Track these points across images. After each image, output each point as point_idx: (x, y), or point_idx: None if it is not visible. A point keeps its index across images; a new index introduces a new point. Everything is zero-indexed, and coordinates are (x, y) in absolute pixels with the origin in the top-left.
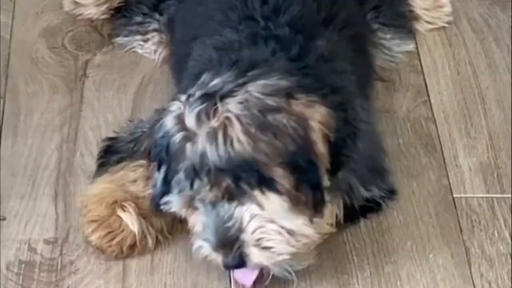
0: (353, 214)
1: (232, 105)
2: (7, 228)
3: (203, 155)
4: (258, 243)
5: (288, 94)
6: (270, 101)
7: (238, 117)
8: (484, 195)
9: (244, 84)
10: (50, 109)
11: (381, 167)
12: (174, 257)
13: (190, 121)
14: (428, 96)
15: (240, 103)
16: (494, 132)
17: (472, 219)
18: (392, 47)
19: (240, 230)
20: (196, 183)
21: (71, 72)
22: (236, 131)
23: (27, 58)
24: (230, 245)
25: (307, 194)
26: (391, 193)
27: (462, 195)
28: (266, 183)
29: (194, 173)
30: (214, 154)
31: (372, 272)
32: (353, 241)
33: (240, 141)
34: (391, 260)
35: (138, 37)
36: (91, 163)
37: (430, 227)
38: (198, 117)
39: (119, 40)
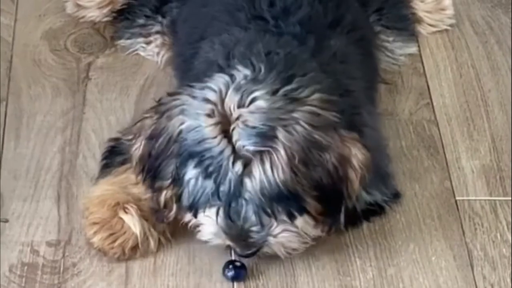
0: (355, 217)
1: (281, 135)
2: (9, 230)
3: (243, 177)
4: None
5: (334, 129)
6: (318, 137)
7: (285, 149)
8: (487, 198)
9: (292, 111)
10: (53, 111)
11: (384, 172)
12: (177, 259)
13: (239, 140)
14: (431, 98)
15: (289, 133)
16: (497, 135)
17: (474, 222)
18: (394, 50)
19: (267, 234)
20: (234, 203)
21: (74, 75)
22: (282, 161)
23: (29, 61)
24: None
25: (329, 218)
26: (395, 196)
27: (465, 198)
28: (297, 210)
29: (233, 193)
30: (256, 179)
31: (374, 275)
32: (356, 243)
33: (284, 172)
34: (393, 263)
35: (141, 39)
36: (94, 166)
37: (433, 230)
38: (248, 138)
39: (122, 42)
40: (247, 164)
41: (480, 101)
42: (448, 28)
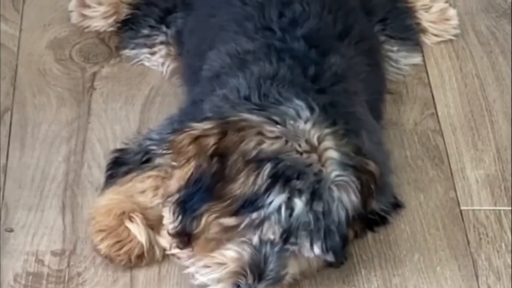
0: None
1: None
2: (14, 240)
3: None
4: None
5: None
6: (362, 164)
7: (362, 180)
8: (492, 208)
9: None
10: (58, 121)
11: (383, 184)
12: (181, 268)
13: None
14: (435, 108)
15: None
16: (501, 145)
17: (479, 232)
18: (399, 60)
19: (279, 277)
20: (265, 227)
21: (79, 84)
22: (362, 191)
23: (34, 70)
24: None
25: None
26: (395, 207)
27: (470, 208)
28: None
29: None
30: (348, 206)
31: (379, 285)
32: (361, 253)
33: (359, 200)
34: (398, 273)
35: (145, 50)
36: (99, 175)
37: (438, 240)
38: (338, 169)
39: (126, 52)
40: (340, 194)
41: (484, 111)
42: (453, 38)
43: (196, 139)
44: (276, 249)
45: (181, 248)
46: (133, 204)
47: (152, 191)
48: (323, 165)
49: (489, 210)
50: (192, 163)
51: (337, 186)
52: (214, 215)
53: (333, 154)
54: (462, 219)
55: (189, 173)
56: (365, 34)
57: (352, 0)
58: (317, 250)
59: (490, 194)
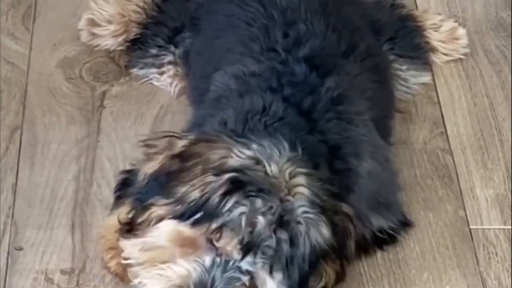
0: (366, 245)
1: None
2: (23, 258)
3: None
4: None
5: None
6: (334, 205)
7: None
8: (501, 227)
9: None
10: (67, 139)
11: (389, 200)
12: None
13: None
14: (445, 127)
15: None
16: (511, 164)
17: (489, 251)
18: (408, 79)
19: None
20: (224, 236)
21: (88, 103)
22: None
23: (44, 89)
24: None
25: None
26: (404, 225)
27: (479, 227)
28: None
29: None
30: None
31: None
32: (370, 272)
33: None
34: None
35: (154, 70)
36: (108, 194)
37: (447, 259)
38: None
39: (136, 71)
40: (308, 230)
41: (494, 130)
42: (462, 57)
43: (169, 136)
44: (227, 274)
45: (122, 235)
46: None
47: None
48: (292, 196)
49: (499, 229)
50: (159, 158)
51: (305, 221)
52: (159, 211)
53: (304, 190)
54: (472, 238)
55: (154, 168)
56: (372, 51)
57: (358, 19)
58: (276, 279)
59: (500, 213)
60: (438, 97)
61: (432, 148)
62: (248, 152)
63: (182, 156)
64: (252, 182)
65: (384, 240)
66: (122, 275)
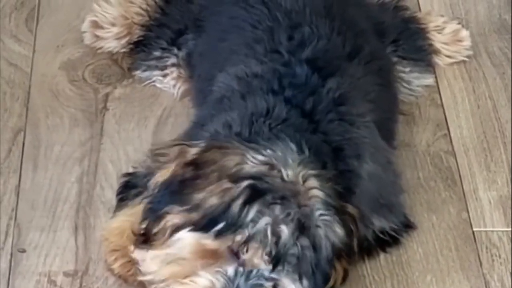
0: (369, 246)
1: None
2: (26, 261)
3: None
4: None
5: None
6: (342, 206)
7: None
8: (504, 229)
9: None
10: (70, 141)
11: (391, 202)
12: None
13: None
14: (448, 129)
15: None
16: None
17: (492, 253)
18: (411, 81)
19: None
20: (251, 248)
21: (92, 105)
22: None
23: (47, 91)
24: None
25: None
26: (406, 227)
27: (482, 229)
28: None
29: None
30: (290, 241)
31: None
32: (373, 274)
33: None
34: None
35: (157, 72)
36: (111, 196)
37: (450, 261)
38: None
39: (139, 74)
40: (326, 233)
41: (497, 132)
42: (466, 59)
43: (179, 144)
44: (250, 282)
45: (137, 246)
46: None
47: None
48: (309, 200)
49: (502, 231)
50: (170, 168)
51: (323, 224)
52: (175, 220)
53: (318, 193)
54: (475, 240)
55: (166, 176)
56: (376, 54)
57: (363, 22)
58: (303, 286)
59: (503, 215)
60: (441, 99)
61: (435, 150)
62: (261, 158)
63: (195, 164)
64: (271, 190)
65: (387, 242)
66: (125, 277)
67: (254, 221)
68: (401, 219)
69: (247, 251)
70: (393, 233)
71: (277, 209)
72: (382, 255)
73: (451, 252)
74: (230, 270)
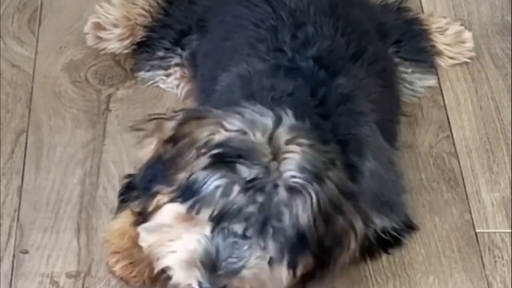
0: (371, 246)
1: (317, 185)
2: (29, 262)
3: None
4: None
5: (352, 198)
6: (339, 200)
7: (318, 199)
8: (507, 230)
9: (328, 169)
10: (73, 143)
11: (393, 200)
12: None
13: (289, 171)
14: (451, 131)
15: (323, 187)
16: None
17: (494, 254)
18: (414, 82)
19: (240, 269)
20: (201, 210)
21: (94, 106)
22: (312, 207)
23: (50, 93)
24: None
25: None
26: (408, 227)
27: (485, 230)
28: (291, 256)
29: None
30: (292, 212)
31: None
32: (375, 275)
33: (309, 218)
34: None
35: (160, 72)
36: (114, 197)
37: (453, 262)
38: (296, 172)
39: (142, 74)
40: (290, 195)
41: (500, 133)
42: (468, 60)
43: (156, 119)
44: (229, 240)
45: (138, 226)
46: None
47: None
48: (278, 162)
49: (504, 232)
50: (151, 144)
51: (286, 185)
52: (164, 199)
53: (295, 156)
54: (477, 242)
55: (148, 154)
56: (379, 56)
57: (367, 23)
58: (252, 249)
59: (506, 216)
60: (444, 100)
61: (438, 152)
62: (239, 123)
63: (173, 140)
64: (231, 152)
65: (389, 242)
66: (127, 279)
67: (208, 185)
68: (403, 219)
69: (198, 214)
70: (395, 233)
71: (236, 170)
72: (384, 256)
73: (454, 254)
74: (207, 230)
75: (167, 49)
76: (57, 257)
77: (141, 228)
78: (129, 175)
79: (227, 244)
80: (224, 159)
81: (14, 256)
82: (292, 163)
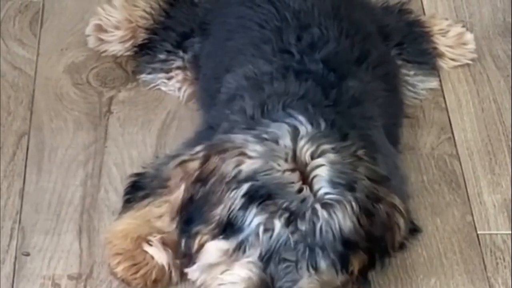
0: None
1: (354, 187)
2: (31, 264)
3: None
4: None
5: (383, 181)
6: (375, 190)
7: (358, 201)
8: (509, 232)
9: (357, 166)
10: (75, 145)
11: None
12: None
13: (321, 189)
14: (452, 133)
15: (359, 186)
16: None
17: (496, 256)
18: (416, 84)
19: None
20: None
21: (96, 108)
22: (354, 213)
23: (51, 94)
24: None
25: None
26: (413, 231)
27: (486, 232)
28: (342, 262)
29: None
30: (336, 227)
31: None
32: (377, 278)
33: (353, 223)
34: None
35: (162, 75)
36: (115, 199)
37: (454, 264)
38: (328, 188)
39: (143, 77)
40: (329, 213)
41: (501, 135)
42: (470, 62)
43: (181, 163)
44: (281, 265)
45: (186, 267)
46: (150, 228)
47: (169, 216)
48: (309, 184)
49: (506, 234)
50: (181, 188)
51: (323, 204)
52: (205, 237)
53: (323, 171)
54: (479, 244)
55: (179, 198)
56: (383, 59)
57: (369, 25)
58: (304, 270)
59: (507, 218)
60: (445, 102)
61: (440, 154)
62: (260, 148)
63: (200, 180)
64: (266, 186)
65: None
66: (129, 280)
67: (250, 223)
68: (409, 226)
69: (245, 252)
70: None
71: (273, 204)
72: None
73: (455, 255)
74: (257, 259)
75: (168, 51)
76: (58, 259)
77: (192, 270)
78: (136, 174)
79: (280, 269)
80: (257, 193)
81: (15, 258)
82: (323, 180)
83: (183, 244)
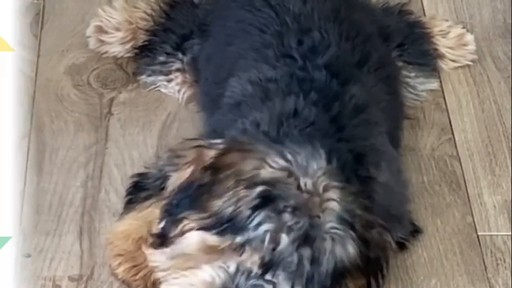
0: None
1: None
2: (31, 265)
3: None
4: None
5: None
6: (370, 218)
7: (360, 233)
8: (509, 233)
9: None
10: (75, 146)
11: (400, 214)
12: None
13: (330, 222)
14: (453, 134)
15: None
16: None
17: (496, 257)
18: (416, 85)
19: None
20: (246, 253)
21: (96, 110)
22: (355, 243)
23: (52, 96)
24: None
25: None
26: (414, 233)
27: (487, 233)
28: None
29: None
30: (288, 249)
31: None
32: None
33: (355, 250)
34: None
35: (162, 77)
36: (116, 200)
37: (455, 265)
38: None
39: (143, 79)
40: (332, 246)
41: (502, 136)
42: (470, 63)
43: (197, 146)
44: (251, 282)
45: (155, 248)
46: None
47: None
48: (322, 212)
49: (507, 235)
50: (188, 170)
51: (331, 237)
52: (191, 224)
53: (334, 205)
54: (479, 245)
55: (183, 179)
56: (384, 61)
57: (369, 27)
58: None
59: (508, 219)
60: (446, 103)
61: (440, 154)
62: (282, 162)
63: (213, 168)
64: (282, 197)
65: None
66: (129, 282)
67: (256, 226)
68: (409, 228)
69: (243, 253)
70: (400, 240)
71: (284, 217)
72: None
73: (456, 256)
74: (232, 267)
75: (168, 53)
76: (59, 260)
77: (160, 252)
78: (137, 174)
79: (249, 286)
80: (273, 202)
81: (16, 259)
82: (333, 214)
83: (163, 224)
